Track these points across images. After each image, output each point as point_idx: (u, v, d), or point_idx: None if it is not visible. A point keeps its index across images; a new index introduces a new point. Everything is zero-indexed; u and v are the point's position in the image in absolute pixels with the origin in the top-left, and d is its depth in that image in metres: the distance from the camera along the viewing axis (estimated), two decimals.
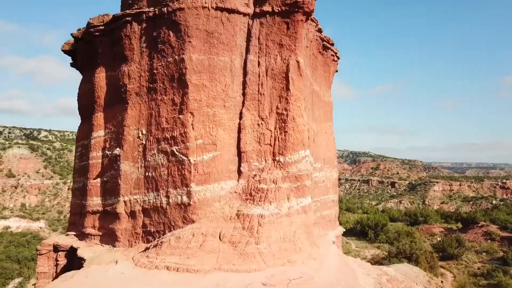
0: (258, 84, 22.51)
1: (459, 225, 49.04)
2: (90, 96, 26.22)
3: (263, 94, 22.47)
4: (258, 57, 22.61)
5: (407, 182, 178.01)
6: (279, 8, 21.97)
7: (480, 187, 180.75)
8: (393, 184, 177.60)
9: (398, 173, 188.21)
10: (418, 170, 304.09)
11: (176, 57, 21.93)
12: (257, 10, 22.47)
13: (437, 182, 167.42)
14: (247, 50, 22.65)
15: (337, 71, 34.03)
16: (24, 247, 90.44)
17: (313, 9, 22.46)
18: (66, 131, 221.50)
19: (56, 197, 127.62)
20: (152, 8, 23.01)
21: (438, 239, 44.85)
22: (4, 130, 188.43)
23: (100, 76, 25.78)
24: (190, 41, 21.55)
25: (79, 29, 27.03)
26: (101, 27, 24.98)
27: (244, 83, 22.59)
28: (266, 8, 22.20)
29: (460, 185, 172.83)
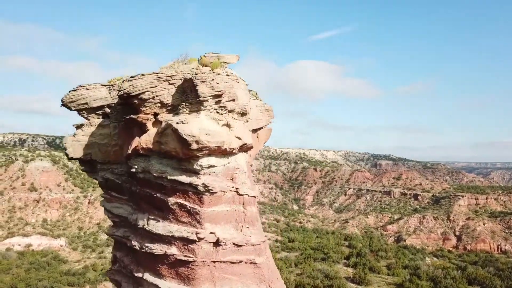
0: None
1: None
2: None
3: None
4: None
5: (430, 194, 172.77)
6: None
7: (508, 199, 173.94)
8: (416, 197, 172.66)
9: (421, 184, 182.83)
10: (442, 175, 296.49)
11: None
12: None
13: (462, 196, 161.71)
14: None
15: None
16: (45, 269, 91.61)
17: None
18: None
19: (77, 211, 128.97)
20: None
21: None
22: (28, 138, 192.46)
23: None
24: None
25: None
26: None
27: None
28: None
29: (486, 198, 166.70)
